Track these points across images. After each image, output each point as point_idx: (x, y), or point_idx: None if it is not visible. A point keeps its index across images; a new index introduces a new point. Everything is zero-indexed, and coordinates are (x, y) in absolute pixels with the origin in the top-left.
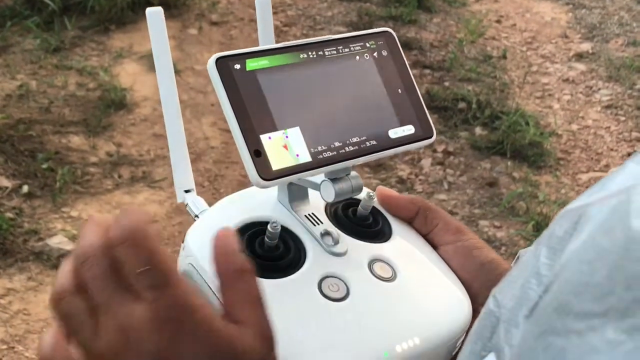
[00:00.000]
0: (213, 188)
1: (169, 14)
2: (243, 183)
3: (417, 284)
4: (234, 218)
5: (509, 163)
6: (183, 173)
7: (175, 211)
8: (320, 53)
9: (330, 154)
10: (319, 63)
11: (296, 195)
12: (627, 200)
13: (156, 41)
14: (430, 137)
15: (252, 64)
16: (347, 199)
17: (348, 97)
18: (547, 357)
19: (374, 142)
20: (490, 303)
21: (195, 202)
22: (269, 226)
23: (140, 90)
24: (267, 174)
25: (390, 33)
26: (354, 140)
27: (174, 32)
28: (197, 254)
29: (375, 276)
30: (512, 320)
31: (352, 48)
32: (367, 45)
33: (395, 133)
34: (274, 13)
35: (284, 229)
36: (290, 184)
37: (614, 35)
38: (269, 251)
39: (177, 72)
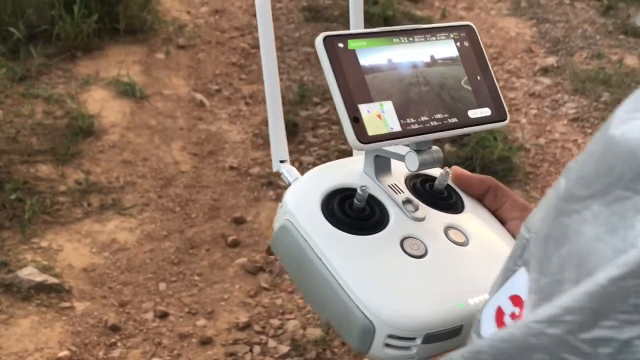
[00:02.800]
0: (184, 213)
1: (135, 39)
2: (215, 207)
3: (487, 250)
4: (326, 183)
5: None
6: (279, 144)
7: (146, 238)
8: (411, 39)
9: (418, 126)
10: (410, 47)
11: (381, 167)
12: (610, 120)
13: (262, 25)
14: (504, 120)
15: (353, 44)
16: (423, 174)
17: (434, 79)
18: (559, 232)
19: (455, 120)
20: (521, 230)
21: (289, 170)
22: (358, 189)
23: (108, 117)
24: (364, 138)
25: (472, 27)
26: (438, 116)
27: (140, 57)
28: (294, 211)
29: (450, 240)
30: (539, 235)
31: (438, 37)
32: (452, 35)
33: (474, 113)
34: (241, 35)
35: (370, 196)
36: (376, 156)
37: (578, 48)
38: (358, 212)
39: (145, 97)
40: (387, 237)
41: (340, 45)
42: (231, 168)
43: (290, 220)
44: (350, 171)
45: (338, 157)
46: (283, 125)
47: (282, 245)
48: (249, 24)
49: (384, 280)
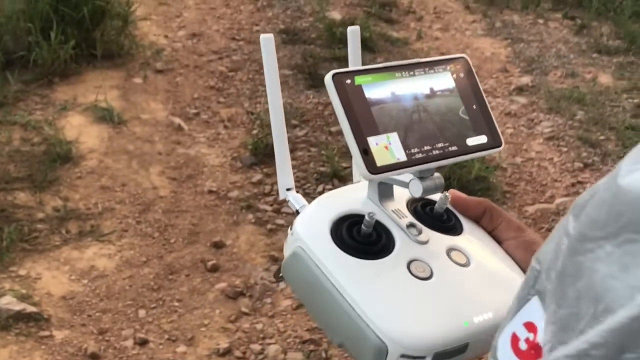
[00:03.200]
0: (163, 239)
1: (113, 64)
2: (194, 232)
3: (487, 270)
4: (333, 210)
5: None
6: (285, 173)
7: (125, 265)
8: (411, 73)
9: (422, 155)
10: (410, 81)
11: (384, 193)
12: (617, 171)
13: (267, 61)
14: (500, 146)
15: (359, 80)
16: (423, 198)
17: (434, 110)
18: (574, 268)
19: (455, 148)
20: (533, 262)
21: (296, 198)
22: (366, 216)
23: (86, 142)
24: (374, 169)
25: (466, 59)
26: (439, 145)
27: (118, 81)
28: (305, 238)
29: (453, 261)
30: (551, 267)
31: (435, 69)
32: (448, 68)
33: (472, 141)
34: (219, 58)
35: (376, 221)
36: (380, 183)
37: (552, 67)
38: (365, 237)
39: (123, 122)
40: (394, 260)
41: (348, 81)
42: (210, 192)
43: (301, 247)
44: (355, 198)
45: (317, 180)
46: (288, 155)
47: (294, 271)
48: (227, 47)
49: (394, 302)
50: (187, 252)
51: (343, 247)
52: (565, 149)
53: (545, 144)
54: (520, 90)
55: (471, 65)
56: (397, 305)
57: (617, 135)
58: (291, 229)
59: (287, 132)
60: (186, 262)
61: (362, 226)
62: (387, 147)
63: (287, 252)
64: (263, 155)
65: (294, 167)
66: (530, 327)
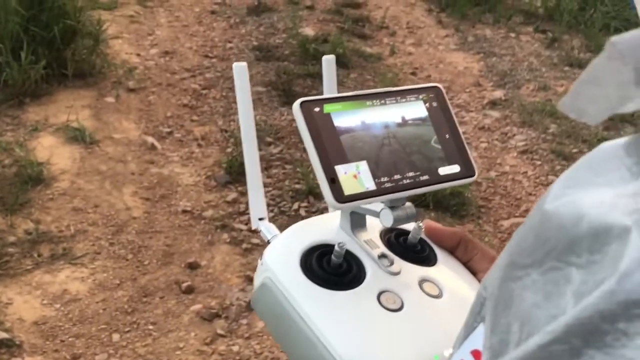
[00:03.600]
0: (137, 260)
1: (84, 83)
2: (168, 253)
3: (460, 302)
4: (304, 240)
5: (432, 214)
6: (258, 202)
7: (98, 288)
8: (383, 101)
9: (391, 184)
10: (381, 110)
11: (356, 223)
12: (546, 195)
13: (240, 90)
14: (472, 175)
15: (328, 108)
16: (397, 228)
17: (405, 138)
18: (506, 295)
19: (426, 177)
20: (480, 289)
21: (268, 228)
22: (336, 246)
23: (58, 164)
24: (341, 198)
25: (439, 88)
26: (410, 174)
27: (90, 101)
28: (274, 269)
29: (425, 293)
30: (492, 294)
31: (408, 98)
32: (420, 96)
33: (444, 170)
34: (192, 76)
35: (346, 251)
36: (352, 213)
37: (524, 81)
38: (335, 268)
39: (95, 142)
40: (364, 291)
41: (317, 109)
42: (184, 212)
43: (270, 277)
44: (327, 228)
45: (292, 197)
46: (261, 184)
47: (262, 302)
48: (200, 65)
49: (362, 335)
50: (161, 274)
51: (312, 278)
52: (539, 162)
53: (519, 158)
54: (493, 104)
55: (444, 94)
56: (365, 337)
57: (590, 148)
58: (261, 259)
59: (262, 149)
60: (160, 284)
61: (332, 257)
62: (356, 175)
63: (256, 283)
64: (237, 173)
65: (268, 185)
66: (476, 355)
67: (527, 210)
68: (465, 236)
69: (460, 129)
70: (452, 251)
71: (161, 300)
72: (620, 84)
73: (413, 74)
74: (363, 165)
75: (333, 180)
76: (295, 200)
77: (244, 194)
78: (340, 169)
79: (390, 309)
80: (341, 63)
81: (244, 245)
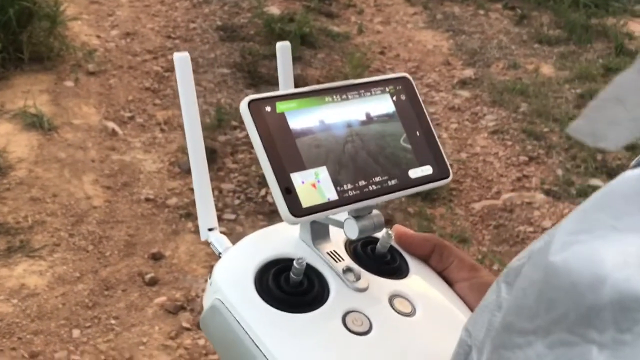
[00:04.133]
0: (98, 252)
1: (42, 67)
2: (130, 244)
3: (436, 319)
4: (258, 255)
5: (403, 199)
6: (207, 212)
7: (57, 281)
8: (344, 96)
9: (356, 192)
10: (343, 106)
11: (318, 233)
12: (550, 241)
13: (183, 84)
14: (447, 177)
15: (281, 106)
16: (366, 237)
17: (371, 138)
18: None
19: (395, 182)
20: (463, 334)
21: (218, 239)
22: (295, 262)
23: (15, 152)
24: (298, 211)
25: (408, 78)
26: (377, 179)
27: (48, 85)
28: (224, 289)
29: (396, 311)
30: (482, 348)
31: (373, 92)
32: (387, 89)
33: (414, 173)
34: (154, 58)
35: (308, 266)
36: (313, 223)
37: (494, 59)
38: (295, 287)
39: (54, 128)
40: (327, 313)
41: (268, 108)
42: (147, 200)
43: (220, 299)
44: (285, 239)
45: (259, 183)
46: (210, 190)
47: (212, 326)
48: (162, 46)
49: None
50: (123, 266)
51: (268, 299)
52: (510, 143)
53: (490, 138)
54: (463, 83)
55: (414, 85)
56: None
57: (561, 127)
58: (210, 277)
59: (227, 134)
60: (122, 276)
61: (291, 274)
62: (315, 184)
63: (205, 304)
64: None
65: (234, 170)
66: None
67: (498, 192)
68: (440, 242)
69: (433, 125)
70: (425, 259)
71: (123, 293)
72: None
73: (382, 53)
74: (323, 172)
75: (288, 191)
76: (262, 186)
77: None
78: (297, 178)
79: (357, 332)
80: (308, 43)
81: None
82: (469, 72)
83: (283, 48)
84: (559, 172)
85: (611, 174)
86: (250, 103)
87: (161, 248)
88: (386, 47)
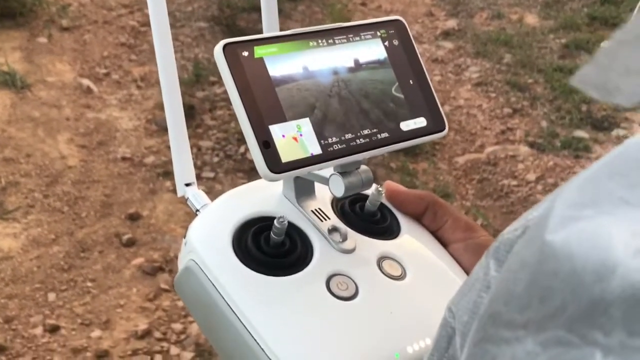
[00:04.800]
0: (74, 213)
1: (14, 23)
2: (107, 204)
3: (427, 283)
4: (237, 213)
5: (386, 154)
6: (183, 165)
7: (32, 244)
8: (330, 41)
9: (342, 146)
10: (329, 51)
11: (302, 189)
12: (547, 213)
13: (157, 25)
14: (442, 130)
15: (260, 51)
16: (354, 194)
17: (359, 87)
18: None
19: (385, 135)
20: (446, 314)
21: (196, 195)
22: (275, 221)
23: None
24: (276, 167)
25: (402, 22)
26: (366, 132)
27: (20, 42)
28: (199, 250)
29: (385, 274)
30: (466, 334)
31: (362, 36)
32: (378, 33)
33: (407, 125)
34: (130, 12)
35: (290, 225)
36: (297, 178)
37: (478, 9)
38: (275, 247)
39: (27, 86)
40: (310, 276)
41: (245, 53)
42: (124, 159)
43: (195, 260)
44: (267, 196)
45: (239, 140)
46: (187, 143)
47: (186, 289)
48: (138, 0)
49: (305, 330)
50: (99, 227)
51: (246, 261)
52: (493, 95)
53: (474, 90)
54: (446, 34)
55: (408, 29)
56: (309, 334)
57: (546, 78)
58: (185, 236)
59: (206, 90)
60: (99, 238)
61: (271, 233)
62: (297, 138)
63: (179, 265)
64: None
65: (213, 127)
66: None
67: (482, 146)
68: (434, 200)
69: (427, 72)
70: (418, 218)
71: (100, 255)
72: None
73: (363, 4)
74: (305, 124)
75: (266, 145)
76: (241, 143)
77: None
78: (277, 130)
79: (342, 297)
80: None
81: None
82: (452, 23)
83: None
84: (544, 124)
85: (596, 125)
86: (225, 47)
87: (138, 208)
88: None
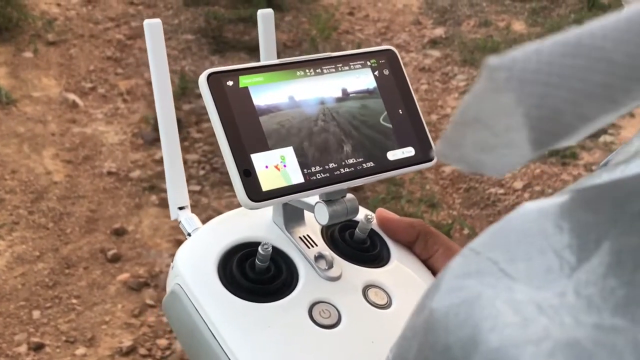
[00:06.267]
0: (59, 229)
1: (0, 38)
2: (92, 219)
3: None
4: (225, 238)
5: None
6: (177, 189)
7: (16, 261)
8: (318, 70)
9: (325, 175)
10: (317, 81)
11: (291, 216)
12: (438, 283)
13: (154, 53)
14: (431, 160)
15: (245, 81)
16: (345, 221)
17: (346, 116)
18: None
19: (371, 164)
20: (389, 356)
21: (188, 220)
22: (259, 248)
23: None
24: (256, 195)
25: (393, 51)
26: (350, 161)
27: (5, 57)
28: (185, 274)
29: (370, 303)
30: None
31: (352, 66)
32: (368, 63)
33: (394, 155)
34: (116, 26)
35: (277, 251)
36: (286, 204)
37: (465, 17)
38: (260, 274)
39: (12, 102)
40: (293, 303)
41: (230, 83)
42: (109, 173)
43: (180, 284)
44: (256, 222)
45: None
46: (182, 167)
47: (172, 312)
48: (125, 13)
49: (284, 357)
50: (85, 243)
51: (230, 286)
52: None
53: (461, 99)
54: (433, 43)
55: (399, 58)
56: None
57: None
58: (173, 260)
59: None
60: (84, 254)
61: (256, 260)
62: (279, 166)
63: (167, 288)
64: None
65: (199, 140)
66: None
67: None
68: (425, 229)
69: (417, 102)
70: (410, 246)
71: (85, 271)
72: (508, 129)
73: (350, 14)
74: (289, 153)
75: (247, 173)
76: None
77: None
78: (259, 159)
79: (324, 325)
80: (274, 6)
81: None
82: (439, 31)
83: (265, 16)
84: None
85: None
86: (209, 76)
87: (124, 223)
88: (355, 8)
